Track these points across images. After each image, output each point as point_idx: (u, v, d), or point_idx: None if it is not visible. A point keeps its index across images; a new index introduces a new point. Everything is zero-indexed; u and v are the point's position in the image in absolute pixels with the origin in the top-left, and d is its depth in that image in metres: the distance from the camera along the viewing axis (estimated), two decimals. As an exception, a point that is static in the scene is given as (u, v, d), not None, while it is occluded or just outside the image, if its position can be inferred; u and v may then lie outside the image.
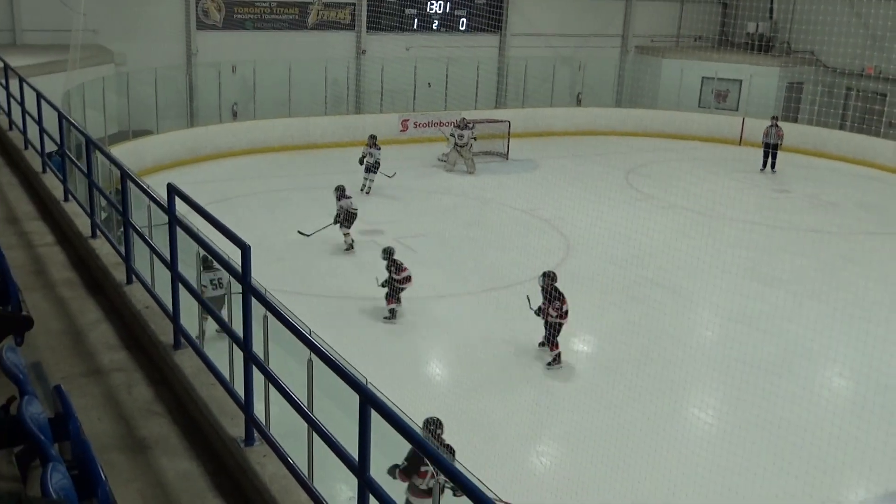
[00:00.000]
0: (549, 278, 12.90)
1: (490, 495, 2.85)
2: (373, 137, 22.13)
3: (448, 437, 8.98)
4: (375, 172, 21.89)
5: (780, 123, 26.90)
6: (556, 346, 12.83)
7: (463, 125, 25.25)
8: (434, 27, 30.90)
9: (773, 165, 26.62)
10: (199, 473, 4.55)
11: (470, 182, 24.05)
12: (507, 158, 27.03)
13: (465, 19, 31.27)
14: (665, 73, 32.84)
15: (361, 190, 21.59)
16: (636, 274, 16.47)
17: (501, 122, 27.55)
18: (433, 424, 9.14)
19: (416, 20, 30.60)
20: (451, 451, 8.80)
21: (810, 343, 13.55)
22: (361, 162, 21.89)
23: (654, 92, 32.65)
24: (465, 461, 6.39)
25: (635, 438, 10.58)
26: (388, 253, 14.60)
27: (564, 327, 12.82)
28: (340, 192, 17.96)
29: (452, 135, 25.38)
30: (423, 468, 9.00)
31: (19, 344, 5.12)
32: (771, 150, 26.60)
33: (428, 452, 3.17)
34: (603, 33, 33.47)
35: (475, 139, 25.41)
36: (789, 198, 23.69)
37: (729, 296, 15.44)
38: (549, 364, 12.72)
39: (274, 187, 22.39)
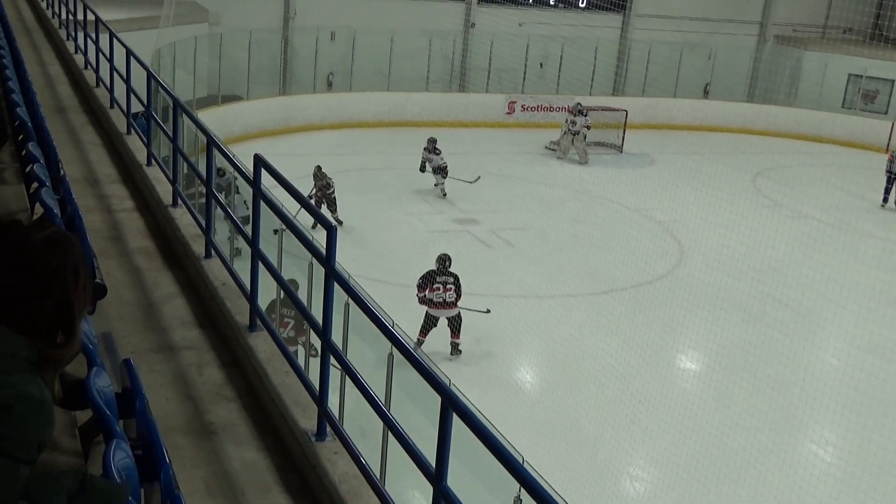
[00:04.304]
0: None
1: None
2: (432, 141, 20.72)
3: (534, 449, 8.94)
4: (445, 176, 20.59)
5: None
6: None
7: (577, 111, 25.11)
8: (551, 2, 30.74)
9: None
10: (265, 465, 4.64)
11: (578, 174, 23.87)
12: (622, 151, 26.73)
13: (585, -5, 31.03)
14: (807, 67, 31.93)
15: (437, 189, 20.73)
16: (756, 289, 16.09)
17: (618, 110, 27.25)
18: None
19: (531, -6, 30.52)
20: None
21: (952, 383, 13.02)
22: (422, 170, 20.68)
23: (792, 88, 31.80)
24: (550, 477, 6.33)
25: (742, 471, 10.35)
26: (440, 262, 13.21)
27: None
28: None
29: (566, 121, 25.27)
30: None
31: (91, 313, 5.29)
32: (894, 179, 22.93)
33: (518, 474, 3.17)
34: (739, 19, 32.72)
35: (589, 127, 25.25)
36: (940, 217, 22.77)
37: (860, 322, 14.94)
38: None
39: (365, 165, 22.65)
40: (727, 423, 11.34)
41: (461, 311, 13.06)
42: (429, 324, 12.98)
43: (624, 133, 27.00)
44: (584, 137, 25.09)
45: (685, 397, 12.31)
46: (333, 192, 17.92)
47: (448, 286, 12.85)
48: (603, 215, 20.16)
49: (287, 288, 5.52)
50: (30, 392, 1.96)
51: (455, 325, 12.97)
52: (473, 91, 29.19)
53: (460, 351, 13.05)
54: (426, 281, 12.89)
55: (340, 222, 17.28)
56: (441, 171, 20.46)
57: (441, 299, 12.85)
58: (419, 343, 12.86)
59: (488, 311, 13.62)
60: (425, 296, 12.89)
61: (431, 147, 20.51)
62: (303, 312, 5.23)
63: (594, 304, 14.94)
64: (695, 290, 15.70)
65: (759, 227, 17.89)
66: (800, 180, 24.89)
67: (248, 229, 5.76)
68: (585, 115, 25.18)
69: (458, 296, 12.93)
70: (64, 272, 2.10)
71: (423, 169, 20.58)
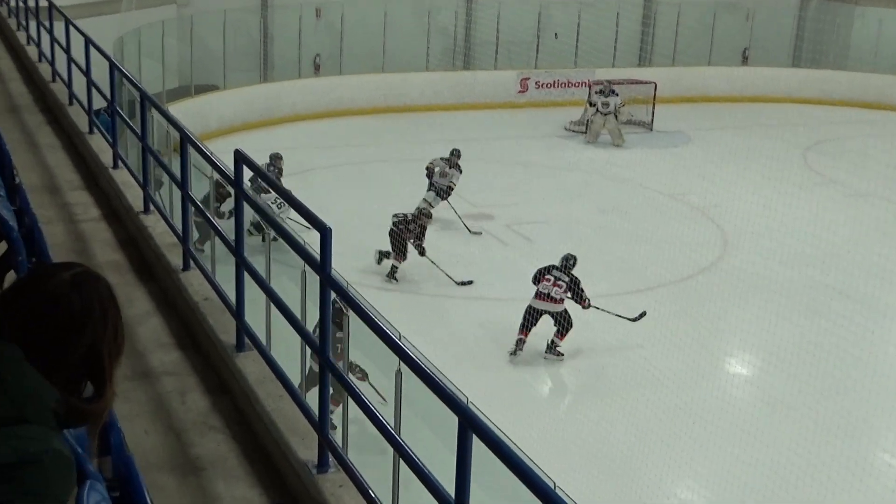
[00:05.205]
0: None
1: None
2: (457, 154, 19.03)
3: (566, 471, 8.93)
4: (444, 198, 18.59)
5: None
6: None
7: (609, 91, 25.09)
8: (564, -37, 30.71)
9: None
10: (260, 503, 4.63)
11: (604, 157, 23.83)
12: (652, 129, 26.67)
13: (603, -46, 30.99)
14: (859, 24, 31.83)
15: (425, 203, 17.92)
16: (814, 279, 16.03)
17: (646, 83, 27.20)
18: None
19: (542, -46, 30.49)
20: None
21: None
22: (430, 176, 18.86)
23: (843, 49, 31.69)
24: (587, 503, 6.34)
25: (807, 488, 10.31)
26: (563, 260, 13.84)
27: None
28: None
29: (592, 103, 25.23)
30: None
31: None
32: None
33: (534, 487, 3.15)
34: (780, -27, 32.67)
35: (625, 105, 25.28)
36: None
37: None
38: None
39: (361, 158, 22.65)
40: (787, 433, 11.29)
41: (610, 314, 13.68)
42: (527, 318, 13.36)
43: (654, 108, 26.93)
44: (616, 116, 25.06)
45: (738, 406, 12.27)
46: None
47: (560, 282, 13.43)
48: (634, 203, 20.13)
49: (276, 299, 5.49)
50: (57, 446, 2.01)
51: (561, 323, 13.40)
52: (480, 68, 29.15)
53: (560, 354, 13.39)
54: (540, 274, 13.62)
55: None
56: (446, 192, 18.65)
57: (546, 291, 13.40)
58: (520, 344, 13.28)
59: (638, 317, 13.80)
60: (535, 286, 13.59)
61: (455, 161, 18.83)
62: (296, 328, 5.22)
63: (628, 304, 14.87)
64: (743, 283, 15.65)
65: (814, 209, 17.85)
66: (858, 153, 24.82)
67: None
68: (617, 94, 25.17)
69: (573, 297, 13.46)
70: (90, 315, 2.14)
71: (429, 175, 18.92)
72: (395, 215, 16.15)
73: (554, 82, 29.10)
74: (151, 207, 7.83)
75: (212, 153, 6.31)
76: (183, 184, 6.79)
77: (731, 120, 27.66)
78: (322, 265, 4.56)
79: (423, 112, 26.94)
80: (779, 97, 30.42)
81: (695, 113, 28.37)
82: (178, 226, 7.05)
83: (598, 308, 13.64)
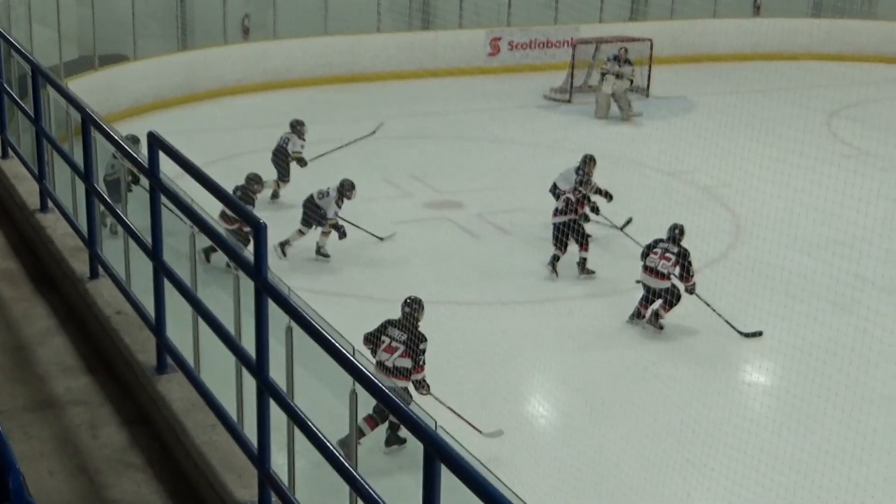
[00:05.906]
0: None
1: None
2: (591, 161, 17.83)
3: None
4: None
5: None
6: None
7: (624, 60, 25.21)
8: None
9: None
10: (191, 554, 4.64)
11: (592, 130, 23.88)
12: (648, 95, 26.79)
13: None
14: (890, -35, 32.09)
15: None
16: (841, 269, 16.13)
17: (640, 41, 27.28)
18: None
19: None
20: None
21: None
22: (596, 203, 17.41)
23: (872, -6, 31.95)
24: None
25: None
26: (670, 230, 14.90)
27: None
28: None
29: (605, 72, 25.21)
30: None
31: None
32: None
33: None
34: None
35: (633, 79, 25.53)
36: None
37: None
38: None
39: (305, 139, 22.54)
40: (815, 453, 11.37)
41: (720, 316, 14.49)
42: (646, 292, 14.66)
43: (650, 70, 27.04)
44: (627, 87, 25.15)
45: (756, 422, 12.35)
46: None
47: (668, 255, 14.49)
48: (628, 184, 20.15)
49: (204, 310, 5.48)
50: None
51: (668, 298, 14.51)
52: (442, 28, 29.13)
53: (661, 326, 14.54)
54: (648, 248, 14.82)
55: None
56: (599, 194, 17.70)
57: (653, 265, 14.55)
58: (638, 314, 14.62)
59: (752, 335, 14.40)
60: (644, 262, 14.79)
61: (590, 169, 17.70)
62: (228, 344, 5.21)
63: (623, 305, 14.95)
64: (758, 276, 15.72)
65: (841, 186, 17.95)
66: (893, 118, 24.97)
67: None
68: (631, 64, 25.27)
69: (683, 274, 14.41)
70: None
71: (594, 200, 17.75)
72: (563, 191, 16.67)
73: (531, 42, 29.15)
74: (50, 204, 7.78)
75: (121, 138, 6.29)
76: (87, 175, 6.75)
77: (742, 82, 27.79)
78: (257, 268, 4.55)
79: (376, 82, 26.90)
80: (797, 53, 30.61)
81: (698, 75, 28.49)
82: (83, 226, 7.01)
83: (702, 300, 14.59)
